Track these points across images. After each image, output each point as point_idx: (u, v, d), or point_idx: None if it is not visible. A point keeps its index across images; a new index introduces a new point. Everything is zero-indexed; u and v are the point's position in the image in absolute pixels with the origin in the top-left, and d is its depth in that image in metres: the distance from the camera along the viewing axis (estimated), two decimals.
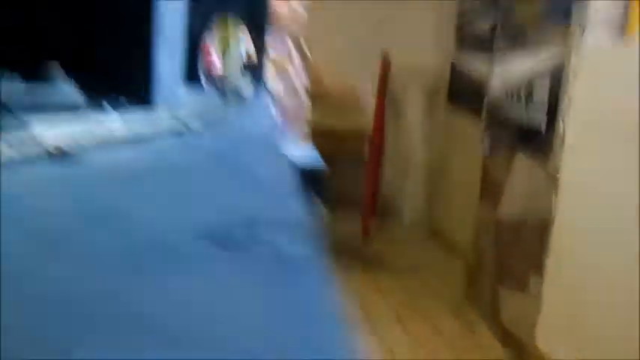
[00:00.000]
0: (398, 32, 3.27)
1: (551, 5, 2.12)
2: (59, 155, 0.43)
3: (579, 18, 1.90)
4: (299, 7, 2.95)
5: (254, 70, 1.30)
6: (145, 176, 0.42)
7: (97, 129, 0.51)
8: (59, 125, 0.50)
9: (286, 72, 2.76)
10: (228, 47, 1.70)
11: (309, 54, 3.00)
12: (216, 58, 1.41)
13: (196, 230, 0.30)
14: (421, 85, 3.37)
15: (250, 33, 1.30)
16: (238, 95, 1.09)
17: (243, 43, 1.72)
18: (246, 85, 1.39)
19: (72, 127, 0.49)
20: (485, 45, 2.85)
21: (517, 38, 2.40)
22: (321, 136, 3.00)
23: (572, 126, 1.93)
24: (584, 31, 1.89)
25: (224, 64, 1.43)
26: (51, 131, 0.47)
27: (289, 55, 2.80)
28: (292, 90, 2.84)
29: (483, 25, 2.93)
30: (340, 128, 3.19)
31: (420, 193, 3.44)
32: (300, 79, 2.91)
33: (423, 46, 3.32)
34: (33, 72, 1.10)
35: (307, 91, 2.98)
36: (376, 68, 3.14)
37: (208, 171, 0.44)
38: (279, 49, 2.56)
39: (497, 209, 2.45)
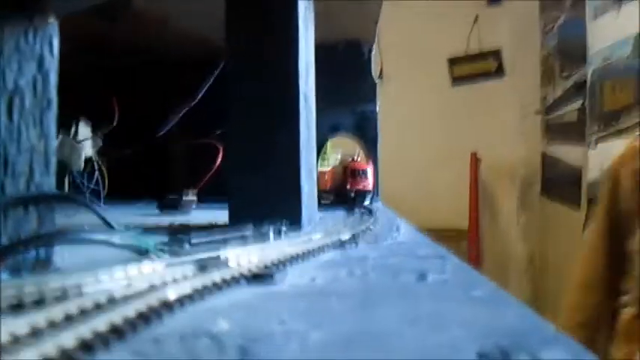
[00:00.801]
0: (483, 128, 3.31)
1: None
2: (256, 277, 0.47)
3: None
4: None
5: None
6: (355, 294, 0.44)
7: (273, 251, 0.55)
8: (244, 250, 0.54)
9: None
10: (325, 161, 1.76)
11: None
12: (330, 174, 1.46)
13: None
14: (513, 178, 3.36)
15: (362, 146, 1.37)
16: (361, 206, 1.14)
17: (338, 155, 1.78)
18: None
19: (254, 252, 0.54)
20: (574, 132, 2.84)
21: (610, 123, 2.39)
22: None
23: None
24: None
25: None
26: (240, 256, 0.51)
27: None
28: None
29: (570, 112, 2.93)
30: (435, 228, 3.19)
31: (523, 288, 3.35)
32: None
33: (511, 138, 3.33)
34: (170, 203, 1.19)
35: None
36: (465, 167, 3.18)
37: (408, 285, 0.46)
38: None
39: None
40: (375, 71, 1.45)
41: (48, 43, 0.50)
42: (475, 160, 3.20)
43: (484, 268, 3.21)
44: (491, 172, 3.29)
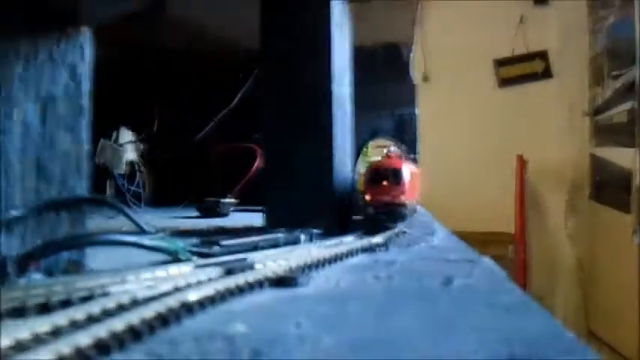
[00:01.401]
0: (530, 130, 3.26)
1: None
2: (280, 281, 0.47)
3: None
4: None
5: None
6: (375, 298, 0.44)
7: (300, 255, 0.55)
8: (272, 254, 0.54)
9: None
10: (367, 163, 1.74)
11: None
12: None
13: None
14: (561, 181, 3.29)
15: (402, 149, 1.35)
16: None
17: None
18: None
19: (281, 256, 0.54)
20: (624, 133, 2.77)
21: None
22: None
23: None
24: None
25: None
26: (267, 260, 0.51)
27: None
28: None
29: (620, 114, 2.85)
30: (481, 231, 3.14)
31: (572, 293, 3.27)
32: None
33: (558, 140, 3.26)
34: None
35: None
36: (512, 171, 3.13)
37: (428, 290, 0.46)
38: None
39: None
40: (415, 74, 1.44)
41: (80, 51, 0.51)
42: (522, 163, 3.14)
43: (531, 273, 3.14)
44: (538, 175, 3.22)
